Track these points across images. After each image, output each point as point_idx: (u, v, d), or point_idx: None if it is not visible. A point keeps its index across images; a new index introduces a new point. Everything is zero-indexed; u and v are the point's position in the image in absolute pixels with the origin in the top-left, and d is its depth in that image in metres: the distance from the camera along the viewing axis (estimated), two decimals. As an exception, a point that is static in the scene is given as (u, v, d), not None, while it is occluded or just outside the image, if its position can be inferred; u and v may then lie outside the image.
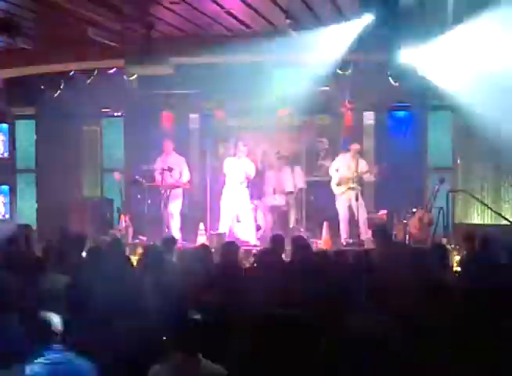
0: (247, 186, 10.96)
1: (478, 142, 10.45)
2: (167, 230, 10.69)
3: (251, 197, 11.06)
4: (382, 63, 9.35)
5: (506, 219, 10.27)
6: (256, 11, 8.24)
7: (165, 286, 5.15)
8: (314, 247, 8.81)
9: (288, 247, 7.64)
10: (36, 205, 12.79)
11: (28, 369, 3.40)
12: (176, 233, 10.66)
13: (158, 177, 10.91)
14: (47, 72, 10.68)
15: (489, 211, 10.69)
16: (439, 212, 10.18)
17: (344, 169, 10.75)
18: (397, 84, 9.83)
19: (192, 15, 8.43)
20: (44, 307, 3.86)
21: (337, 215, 10.81)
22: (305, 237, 8.74)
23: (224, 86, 10.82)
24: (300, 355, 1.64)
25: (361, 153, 10.96)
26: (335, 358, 1.67)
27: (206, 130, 12.36)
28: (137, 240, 10.86)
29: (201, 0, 7.86)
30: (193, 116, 12.62)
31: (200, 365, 3.46)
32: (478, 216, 11.14)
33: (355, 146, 10.77)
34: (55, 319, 3.63)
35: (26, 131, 13.03)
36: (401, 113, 12.03)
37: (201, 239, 10.45)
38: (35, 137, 12.89)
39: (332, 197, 10.95)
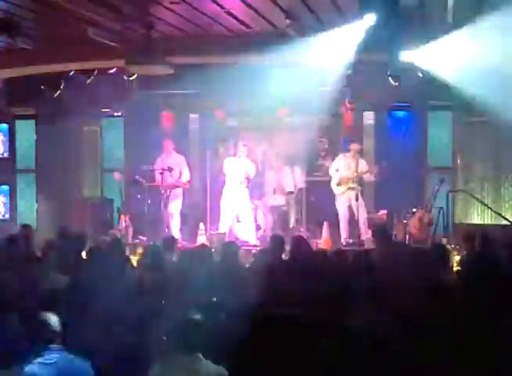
0: (247, 186, 10.96)
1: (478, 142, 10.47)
2: (167, 230, 10.69)
3: (251, 197, 11.05)
4: (382, 63, 9.34)
5: (506, 219, 10.27)
6: (256, 11, 8.23)
7: (165, 286, 5.15)
8: (314, 247, 8.81)
9: (288, 247, 7.64)
10: (36, 205, 12.79)
11: (27, 369, 3.40)
12: (176, 233, 10.66)
13: (158, 177, 10.91)
14: (47, 72, 10.67)
15: (489, 211, 10.69)
16: (439, 212, 10.18)
17: (344, 169, 10.75)
18: (397, 84, 9.82)
19: (192, 15, 8.42)
20: (44, 307, 3.86)
21: (337, 215, 10.80)
22: (305, 237, 8.73)
23: (224, 86, 10.81)
24: (300, 355, 1.64)
25: (361, 153, 10.96)
26: (335, 358, 1.67)
27: (206, 130, 12.35)
28: (137, 240, 10.86)
29: (201, 0, 7.85)
30: (193, 116, 12.62)
31: (200, 365, 3.46)
32: (478, 216, 11.15)
33: (355, 146, 10.77)
34: (54, 320, 3.63)
35: (26, 131, 13.02)
36: (401, 113, 12.02)
37: (201, 239, 10.45)
38: (35, 137, 12.88)
39: (332, 196, 10.95)
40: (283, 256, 6.97)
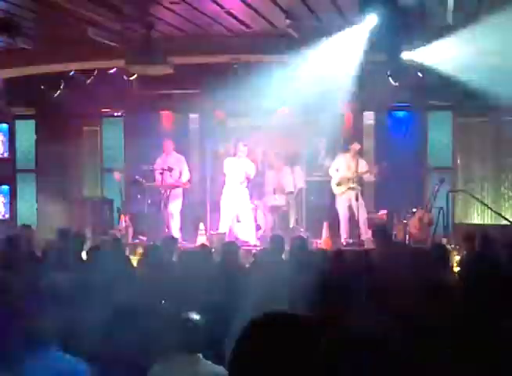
0: (247, 186, 10.96)
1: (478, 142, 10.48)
2: (167, 230, 10.69)
3: (251, 197, 11.05)
4: (382, 63, 9.34)
5: (506, 219, 10.28)
6: (256, 11, 8.23)
7: (166, 286, 5.15)
8: (314, 247, 8.81)
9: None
10: (36, 205, 12.79)
11: (26, 369, 3.40)
12: (176, 233, 10.66)
13: (158, 177, 10.91)
14: (47, 72, 10.68)
15: (489, 211, 10.70)
16: (439, 212, 10.18)
17: (344, 169, 10.75)
18: (397, 84, 9.82)
19: (192, 15, 8.42)
20: (44, 307, 3.86)
21: (337, 215, 10.81)
22: (305, 237, 8.73)
23: (224, 86, 10.80)
24: (300, 355, 1.63)
25: (361, 153, 10.96)
26: (335, 358, 1.67)
27: (206, 130, 12.36)
28: (137, 240, 10.86)
29: (201, 0, 7.85)
30: (193, 116, 12.63)
31: (200, 365, 3.47)
32: (478, 216, 11.16)
33: (355, 146, 10.77)
34: (54, 320, 3.63)
35: (26, 131, 13.04)
36: (401, 113, 12.02)
37: (201, 239, 10.45)
38: (35, 137, 12.89)
39: (332, 197, 10.95)
40: (283, 256, 6.97)
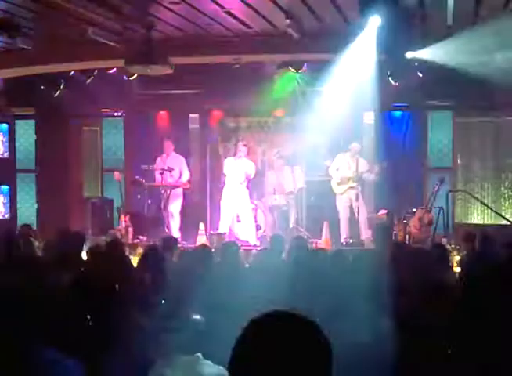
0: (247, 186, 10.96)
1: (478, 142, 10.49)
2: (167, 230, 10.69)
3: (251, 197, 11.06)
4: (382, 62, 9.34)
5: (506, 219, 10.28)
6: (256, 11, 8.22)
7: (165, 286, 5.15)
8: (314, 247, 8.81)
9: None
10: (36, 205, 12.79)
11: (24, 369, 3.40)
12: (176, 233, 10.66)
13: (158, 177, 10.91)
14: (47, 72, 10.68)
15: (489, 211, 10.70)
16: (439, 212, 10.18)
17: (344, 169, 10.75)
18: (397, 84, 9.82)
19: (192, 15, 8.42)
20: (43, 307, 3.86)
21: (337, 215, 10.81)
22: (305, 237, 8.73)
23: (224, 86, 10.81)
24: (300, 355, 1.64)
25: (361, 153, 10.96)
26: (335, 358, 1.67)
27: (206, 130, 12.36)
28: (137, 240, 10.86)
29: (201, 0, 7.85)
30: (193, 116, 12.63)
31: (201, 365, 3.46)
32: (478, 216, 11.16)
33: (355, 146, 10.77)
34: (52, 320, 3.62)
35: (26, 131, 13.04)
36: (401, 113, 12.02)
37: (201, 239, 10.45)
38: (35, 137, 12.89)
39: (332, 196, 10.95)
40: (283, 256, 6.97)
